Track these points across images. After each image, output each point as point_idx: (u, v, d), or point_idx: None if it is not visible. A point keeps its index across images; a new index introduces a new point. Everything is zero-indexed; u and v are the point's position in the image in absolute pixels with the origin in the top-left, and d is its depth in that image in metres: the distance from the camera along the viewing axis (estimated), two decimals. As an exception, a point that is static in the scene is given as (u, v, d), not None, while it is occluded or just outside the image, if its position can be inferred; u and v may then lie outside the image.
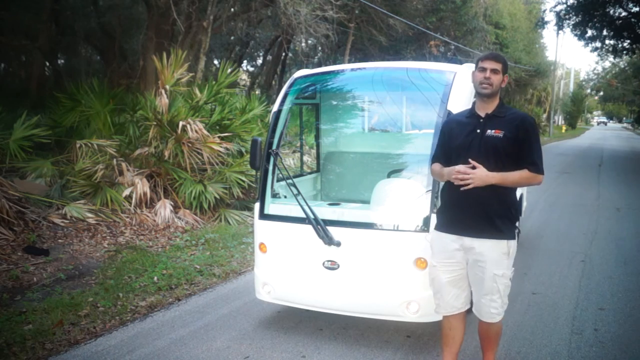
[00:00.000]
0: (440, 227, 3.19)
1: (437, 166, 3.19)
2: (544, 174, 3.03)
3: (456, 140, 3.08)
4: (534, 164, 2.96)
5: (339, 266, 3.75)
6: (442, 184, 3.34)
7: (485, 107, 3.06)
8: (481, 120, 3.05)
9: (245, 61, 25.95)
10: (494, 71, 3.00)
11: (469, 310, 3.26)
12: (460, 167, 2.92)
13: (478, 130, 3.02)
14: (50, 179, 7.11)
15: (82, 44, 16.82)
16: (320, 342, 3.99)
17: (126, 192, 7.21)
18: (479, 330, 3.28)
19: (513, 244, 3.05)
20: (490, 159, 2.94)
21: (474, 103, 3.16)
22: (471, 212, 3.02)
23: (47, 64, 15.84)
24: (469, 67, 4.21)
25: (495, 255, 2.99)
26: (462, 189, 2.92)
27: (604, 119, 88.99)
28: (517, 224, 3.14)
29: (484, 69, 3.01)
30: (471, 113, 3.13)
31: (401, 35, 18.67)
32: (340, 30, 16.52)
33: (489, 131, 2.99)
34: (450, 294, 3.14)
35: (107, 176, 7.27)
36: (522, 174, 2.95)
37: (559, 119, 55.38)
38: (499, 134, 2.96)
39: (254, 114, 9.24)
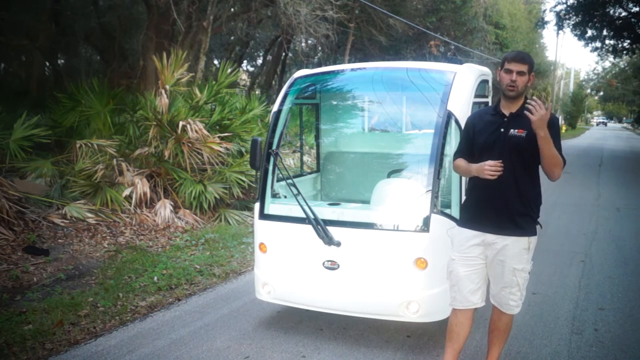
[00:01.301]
0: (463, 223, 3.24)
1: (462, 161, 3.21)
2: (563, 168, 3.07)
3: (480, 138, 3.12)
4: (562, 157, 2.99)
5: (339, 266, 3.75)
6: (442, 182, 3.37)
7: (510, 106, 3.08)
8: (505, 119, 3.07)
9: (245, 61, 25.95)
10: (520, 73, 3.00)
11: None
12: (490, 162, 2.96)
13: (502, 130, 3.04)
14: (50, 179, 7.11)
15: (82, 44, 16.81)
16: (320, 342, 3.99)
17: (126, 192, 7.21)
18: (490, 322, 3.32)
19: (534, 239, 3.12)
20: (513, 158, 2.98)
21: (498, 100, 3.16)
22: (494, 210, 3.07)
23: (47, 64, 15.83)
24: (469, 67, 4.22)
25: (516, 250, 3.06)
26: (488, 177, 2.95)
27: (603, 119, 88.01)
28: (538, 220, 3.17)
29: (510, 71, 3.01)
30: (496, 111, 3.13)
31: (401, 35, 18.67)
32: (340, 30, 16.52)
33: (512, 130, 3.01)
34: (467, 288, 3.17)
35: (107, 176, 7.27)
36: (558, 155, 2.93)
37: (559, 119, 55.35)
38: (522, 133, 2.98)
39: (254, 114, 9.24)
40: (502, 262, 3.08)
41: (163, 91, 7.76)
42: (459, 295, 3.21)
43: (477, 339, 3.96)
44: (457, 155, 3.30)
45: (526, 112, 2.86)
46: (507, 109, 3.08)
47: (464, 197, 3.60)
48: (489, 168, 2.95)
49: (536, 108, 2.82)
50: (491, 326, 3.32)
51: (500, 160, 2.96)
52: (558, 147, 2.98)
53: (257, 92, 20.73)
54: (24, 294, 4.94)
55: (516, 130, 3.00)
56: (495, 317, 3.28)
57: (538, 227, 3.16)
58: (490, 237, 3.09)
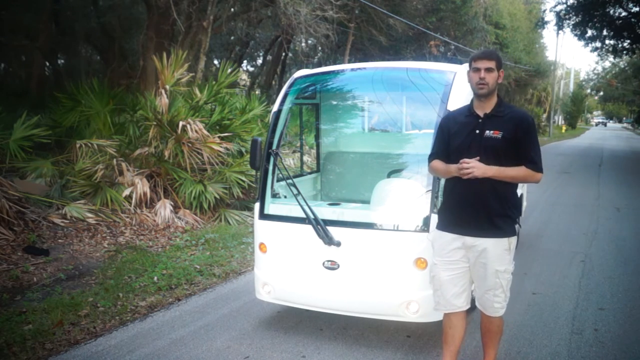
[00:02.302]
0: (441, 226, 3.21)
1: (439, 163, 3.18)
2: (543, 173, 3.05)
3: (455, 141, 3.09)
4: (532, 161, 2.98)
5: (339, 266, 3.75)
6: (442, 183, 3.36)
7: (483, 106, 3.06)
8: (480, 120, 3.04)
9: (245, 61, 25.94)
10: (488, 70, 2.98)
11: (469, 310, 3.27)
12: (464, 159, 2.95)
13: (477, 131, 3.02)
14: (50, 179, 7.11)
15: (82, 44, 16.81)
16: (320, 342, 3.99)
17: (126, 192, 7.21)
18: (481, 325, 3.30)
19: (514, 240, 3.10)
20: (490, 159, 2.95)
21: (472, 100, 3.14)
22: (472, 212, 3.04)
23: (47, 64, 15.83)
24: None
25: (497, 251, 3.03)
26: (465, 176, 2.93)
27: (603, 119, 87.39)
28: (517, 220, 3.17)
29: (477, 69, 3.00)
30: (470, 112, 3.11)
31: (401, 35, 18.67)
32: (340, 30, 16.52)
33: (487, 132, 2.99)
34: (451, 292, 3.16)
35: (107, 176, 7.27)
36: (520, 170, 2.98)
37: (559, 119, 55.37)
38: (498, 134, 2.96)
39: (254, 114, 9.24)
40: (485, 265, 3.05)
41: (163, 91, 7.76)
42: (442, 300, 3.21)
43: (478, 339, 3.95)
44: (432, 157, 3.26)
45: (465, 174, 2.91)
46: (480, 110, 3.06)
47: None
48: (467, 165, 2.92)
49: (468, 168, 2.89)
50: (483, 329, 3.30)
51: (478, 157, 2.93)
52: (535, 151, 2.99)
53: (257, 92, 20.72)
54: (24, 294, 4.94)
55: (492, 132, 2.98)
56: (485, 321, 3.24)
57: (517, 226, 3.17)
58: (469, 240, 3.06)
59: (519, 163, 2.98)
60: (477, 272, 3.10)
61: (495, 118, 3.01)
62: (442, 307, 3.23)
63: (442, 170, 3.18)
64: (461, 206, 3.09)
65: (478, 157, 2.93)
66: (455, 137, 3.10)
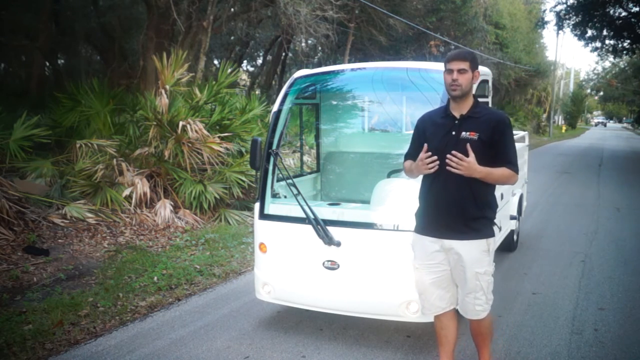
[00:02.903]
0: (419, 230, 3.18)
1: (408, 163, 3.19)
2: (518, 172, 3.05)
3: (432, 142, 3.01)
4: (511, 162, 2.96)
5: (339, 266, 3.75)
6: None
7: (459, 107, 3.02)
8: (456, 121, 3.01)
9: (245, 61, 25.93)
10: (461, 71, 2.94)
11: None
12: (456, 153, 2.86)
13: (453, 133, 2.98)
14: (50, 179, 7.11)
15: (82, 44, 16.80)
16: (320, 342, 3.99)
17: (126, 192, 7.21)
18: (470, 328, 3.28)
19: (492, 241, 3.07)
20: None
21: (448, 101, 3.10)
22: (448, 215, 3.02)
23: (47, 64, 15.82)
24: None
25: (475, 253, 3.01)
26: (453, 170, 2.86)
27: (602, 119, 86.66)
28: (494, 221, 3.13)
29: (451, 71, 2.97)
30: (446, 113, 3.07)
31: (401, 35, 18.67)
32: (340, 30, 16.51)
33: (463, 133, 2.95)
34: (434, 295, 3.16)
35: (107, 176, 7.27)
36: (504, 171, 2.96)
37: (559, 119, 55.37)
38: (474, 136, 2.93)
39: (254, 114, 9.23)
40: (464, 268, 3.02)
41: (163, 91, 7.76)
42: (427, 304, 3.20)
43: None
44: (406, 157, 3.24)
45: (452, 169, 2.85)
46: (457, 111, 3.03)
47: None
48: (423, 162, 2.92)
49: (458, 163, 2.83)
50: (473, 333, 3.28)
51: (455, 153, 2.85)
52: (513, 153, 2.96)
53: (257, 92, 20.72)
54: (24, 294, 4.94)
55: (468, 133, 2.94)
56: (474, 324, 3.20)
57: (496, 228, 3.13)
58: (447, 243, 3.03)
59: (494, 164, 2.94)
60: (458, 275, 3.08)
61: (471, 119, 2.99)
62: (427, 311, 3.23)
63: (408, 170, 3.21)
64: (437, 209, 3.06)
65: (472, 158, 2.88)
66: (431, 138, 3.05)
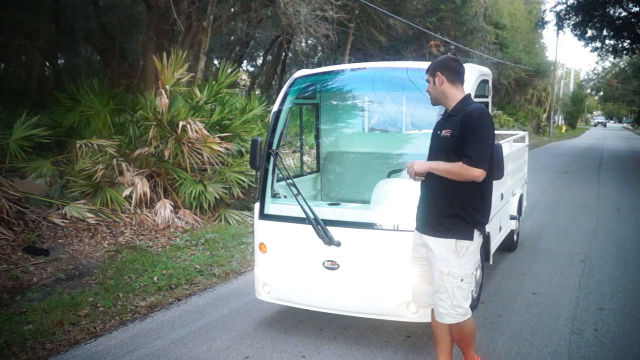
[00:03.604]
0: (415, 225, 3.30)
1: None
2: (484, 170, 2.88)
3: (431, 141, 3.22)
4: (467, 156, 2.87)
5: (339, 266, 3.75)
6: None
7: (447, 108, 3.14)
8: (443, 121, 3.14)
9: (245, 61, 25.94)
10: (427, 82, 3.16)
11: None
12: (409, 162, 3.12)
13: (438, 131, 3.11)
14: (50, 179, 7.11)
15: (82, 44, 16.82)
16: (320, 342, 3.99)
17: (126, 192, 7.21)
18: (450, 331, 3.22)
19: (466, 244, 2.99)
20: (442, 158, 3.00)
21: None
22: (424, 211, 3.15)
23: (47, 64, 15.83)
24: (469, 67, 4.21)
25: (442, 251, 3.02)
26: (412, 176, 3.08)
27: (602, 119, 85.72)
28: (478, 225, 3.03)
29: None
30: (443, 114, 3.20)
31: (401, 35, 18.68)
32: (340, 30, 16.52)
33: (442, 131, 3.05)
34: (421, 288, 3.23)
35: (107, 176, 7.27)
36: (454, 165, 2.91)
37: (559, 119, 55.38)
38: (447, 133, 3.00)
39: (254, 114, 9.23)
40: (432, 265, 3.07)
41: (163, 91, 7.76)
42: (415, 297, 3.31)
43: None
44: None
45: (409, 175, 3.07)
46: (448, 111, 3.13)
47: None
48: (409, 166, 3.08)
49: (408, 167, 3.05)
50: (452, 335, 3.21)
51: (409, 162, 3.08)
52: (474, 147, 2.85)
53: (257, 92, 20.72)
54: (24, 294, 4.94)
55: (444, 131, 3.02)
56: (451, 327, 3.13)
57: (476, 232, 3.02)
58: (424, 238, 3.12)
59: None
60: (432, 272, 3.13)
61: (451, 118, 3.06)
62: (416, 302, 3.35)
63: None
64: (419, 205, 3.21)
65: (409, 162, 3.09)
66: (432, 136, 3.25)
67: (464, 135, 2.91)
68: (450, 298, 3.01)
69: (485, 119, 2.94)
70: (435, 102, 3.17)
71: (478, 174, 2.88)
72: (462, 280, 3.01)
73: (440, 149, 3.04)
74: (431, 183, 3.04)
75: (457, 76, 3.08)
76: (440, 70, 3.07)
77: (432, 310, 3.23)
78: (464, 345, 3.22)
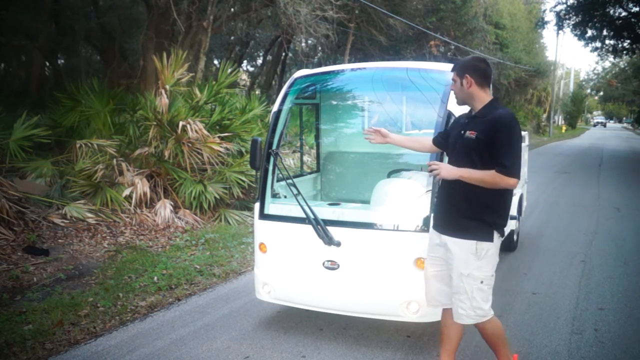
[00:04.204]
0: (432, 224, 3.31)
1: (424, 137, 3.54)
2: (518, 179, 2.90)
3: (451, 138, 3.22)
4: (502, 165, 2.86)
5: (339, 266, 3.75)
6: (438, 184, 3.44)
7: (473, 109, 3.12)
8: (467, 121, 3.11)
9: (245, 61, 25.95)
10: (453, 82, 3.14)
11: None
12: (432, 161, 3.13)
13: (462, 132, 3.08)
14: (50, 179, 7.11)
15: (82, 44, 16.81)
16: (320, 342, 3.99)
17: (126, 192, 7.21)
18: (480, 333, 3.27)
19: (486, 246, 2.98)
20: (465, 159, 2.99)
21: None
22: (444, 211, 3.14)
23: (47, 64, 15.83)
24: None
25: (462, 254, 3.00)
26: (435, 179, 3.08)
27: (602, 119, 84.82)
28: (498, 227, 3.03)
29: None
30: (468, 114, 3.18)
31: (401, 35, 18.67)
32: (340, 30, 16.51)
33: (467, 132, 3.02)
34: (434, 287, 3.22)
35: (107, 176, 7.27)
36: (488, 173, 2.89)
37: (559, 119, 55.38)
38: (472, 135, 2.98)
39: (254, 114, 9.23)
40: (451, 265, 3.06)
41: (163, 91, 7.75)
42: (428, 295, 3.29)
43: (478, 339, 3.94)
44: (433, 137, 3.46)
45: (430, 174, 3.07)
46: (473, 112, 3.12)
47: None
48: (434, 167, 3.03)
49: (434, 170, 2.99)
50: (482, 336, 3.24)
51: (432, 162, 3.10)
52: (507, 155, 2.85)
53: (257, 92, 20.72)
54: (24, 294, 4.94)
55: (469, 132, 3.00)
56: (478, 328, 3.17)
57: (498, 234, 3.01)
58: (444, 238, 3.11)
59: (493, 167, 2.91)
60: (450, 272, 3.12)
61: (476, 119, 3.04)
62: (428, 302, 3.32)
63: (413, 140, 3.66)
64: (439, 204, 3.22)
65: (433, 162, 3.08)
66: (451, 133, 3.25)
67: (494, 140, 2.89)
68: (470, 300, 3.00)
69: (516, 125, 2.96)
70: (461, 102, 3.16)
71: (513, 182, 2.90)
72: (481, 282, 3.00)
73: (462, 149, 3.02)
74: (452, 184, 3.00)
75: (485, 79, 3.05)
76: (469, 72, 3.03)
77: (444, 309, 3.25)
78: (494, 345, 3.21)
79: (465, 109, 3.29)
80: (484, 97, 3.05)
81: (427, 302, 3.34)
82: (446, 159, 3.74)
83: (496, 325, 3.15)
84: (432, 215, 3.33)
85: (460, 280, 3.01)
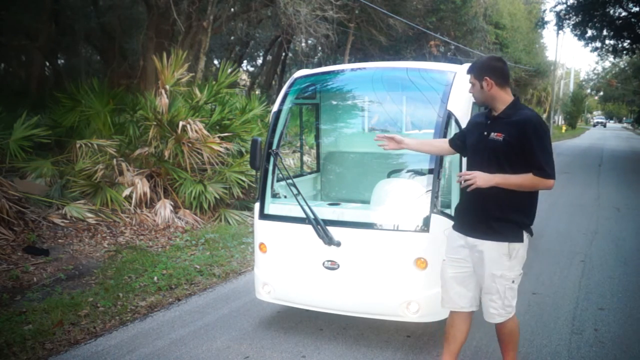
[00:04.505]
0: (453, 226, 3.26)
1: (441, 140, 3.49)
2: (555, 179, 2.92)
3: (469, 139, 3.17)
4: (539, 168, 2.87)
5: (339, 266, 3.75)
6: (442, 183, 3.41)
7: (495, 109, 3.06)
8: (488, 122, 3.06)
9: (245, 61, 25.96)
10: (471, 86, 3.09)
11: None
12: (463, 172, 2.99)
13: (485, 133, 3.03)
14: (50, 179, 7.11)
15: (82, 44, 16.82)
16: (320, 342, 3.99)
17: (126, 192, 7.21)
18: (495, 330, 3.27)
19: (518, 246, 3.00)
20: (492, 162, 2.95)
21: None
22: (473, 214, 3.07)
23: (47, 64, 15.84)
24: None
25: (494, 255, 2.99)
26: (468, 189, 2.94)
27: (602, 119, 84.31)
28: (527, 227, 3.07)
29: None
30: (486, 114, 3.13)
31: (401, 35, 18.68)
32: (340, 30, 16.52)
33: (492, 134, 2.98)
34: (454, 290, 3.17)
35: (107, 176, 7.27)
36: (526, 177, 2.89)
37: (559, 119, 55.38)
38: (500, 137, 2.93)
39: (254, 114, 9.23)
40: (483, 267, 3.04)
41: (163, 91, 7.75)
42: (446, 296, 3.23)
43: (477, 338, 3.96)
44: (450, 138, 3.41)
45: (463, 185, 2.95)
46: (495, 112, 3.07)
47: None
48: (467, 177, 2.93)
49: (468, 181, 2.90)
50: (497, 334, 3.28)
51: (464, 172, 2.98)
52: (542, 156, 2.86)
53: (257, 92, 20.73)
54: (24, 294, 4.94)
55: (495, 134, 2.96)
56: (497, 327, 3.21)
57: (527, 234, 3.05)
58: (470, 240, 3.07)
59: (523, 168, 2.90)
60: (478, 273, 3.10)
61: (500, 120, 2.99)
62: (445, 304, 3.25)
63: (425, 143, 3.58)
64: (466, 207, 3.14)
65: (465, 172, 2.97)
66: (469, 135, 3.20)
67: (524, 143, 2.87)
68: (502, 299, 3.02)
69: (545, 125, 2.96)
70: (481, 104, 3.12)
71: (552, 183, 2.91)
72: (513, 281, 3.02)
73: (488, 152, 2.96)
74: (482, 188, 2.95)
75: (505, 79, 3.02)
76: (488, 74, 2.98)
77: (452, 311, 3.24)
78: (506, 344, 3.22)
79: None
80: (506, 97, 3.02)
81: (442, 304, 3.27)
82: (445, 159, 3.74)
83: (515, 324, 3.18)
84: (455, 216, 3.27)
85: (493, 280, 3.01)
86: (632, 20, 22.54)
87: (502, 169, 2.92)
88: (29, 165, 7.02)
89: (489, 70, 3.00)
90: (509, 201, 2.97)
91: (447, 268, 3.19)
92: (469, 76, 3.09)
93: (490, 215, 2.99)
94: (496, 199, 2.96)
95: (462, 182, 2.94)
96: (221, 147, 7.69)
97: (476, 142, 3.07)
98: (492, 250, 2.99)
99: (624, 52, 25.89)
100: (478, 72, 3.02)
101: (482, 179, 2.89)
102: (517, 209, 3.01)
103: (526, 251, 3.09)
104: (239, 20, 16.52)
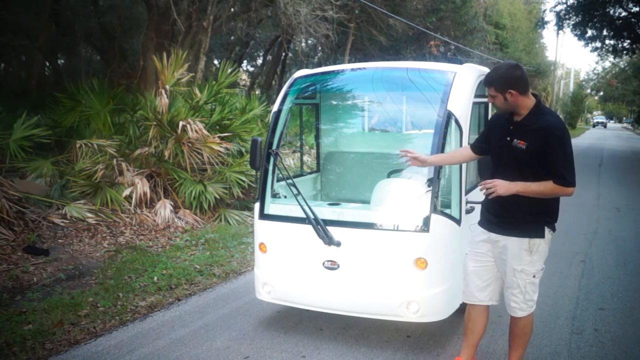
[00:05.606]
0: (479, 221, 3.32)
1: (463, 149, 3.46)
2: (575, 186, 2.94)
3: (493, 141, 3.20)
4: (560, 176, 2.90)
5: (339, 266, 3.75)
6: (442, 183, 3.44)
7: (517, 114, 3.07)
8: (511, 127, 3.07)
9: (245, 61, 25.96)
10: (491, 97, 3.07)
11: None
12: (484, 181, 3.05)
13: (508, 138, 3.05)
14: (50, 179, 7.11)
15: (82, 44, 16.81)
16: (320, 342, 3.99)
17: (126, 192, 7.21)
18: (509, 324, 3.34)
19: (538, 241, 3.05)
20: (514, 169, 3.00)
21: None
22: (496, 214, 3.13)
23: (47, 64, 15.85)
24: (469, 67, 4.22)
25: (515, 250, 3.05)
26: (490, 197, 3.02)
27: (601, 119, 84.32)
28: (550, 224, 3.10)
29: (490, 97, 3.10)
30: (509, 117, 3.12)
31: (401, 35, 18.68)
32: (340, 30, 16.52)
33: (515, 141, 3.00)
34: (474, 283, 3.25)
35: (107, 176, 7.27)
36: (547, 185, 2.92)
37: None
38: (522, 145, 2.96)
39: (254, 114, 9.24)
40: (504, 262, 3.12)
41: (163, 91, 7.75)
42: (466, 290, 3.32)
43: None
44: (472, 144, 3.42)
45: (484, 193, 3.03)
46: (517, 117, 3.08)
47: (464, 197, 3.66)
48: (489, 186, 3.00)
49: (489, 189, 2.97)
50: (509, 329, 3.33)
51: (486, 181, 3.03)
52: (563, 164, 2.89)
53: (257, 92, 20.73)
54: (24, 294, 4.94)
55: (518, 141, 2.99)
56: (511, 321, 3.28)
57: (548, 230, 3.08)
58: (493, 236, 3.15)
59: (545, 175, 2.92)
60: (500, 268, 3.18)
61: (523, 127, 3.00)
62: (465, 297, 3.34)
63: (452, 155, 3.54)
64: (488, 207, 3.21)
65: (486, 182, 3.01)
66: (492, 138, 3.23)
67: (546, 151, 2.90)
68: (523, 293, 3.10)
69: (567, 132, 2.99)
70: (504, 111, 3.13)
71: (572, 190, 2.95)
72: (534, 276, 3.09)
73: (511, 159, 3.01)
74: None
75: (527, 86, 3.01)
76: (512, 86, 2.96)
77: (470, 305, 3.30)
78: (517, 339, 3.26)
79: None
80: (529, 102, 3.03)
81: (463, 297, 3.37)
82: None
83: (530, 320, 3.24)
84: (481, 213, 3.31)
85: (514, 275, 3.08)
86: (632, 20, 22.54)
87: (523, 175, 2.97)
88: (29, 165, 7.02)
89: (512, 83, 2.97)
90: (532, 205, 3.02)
91: (469, 262, 3.27)
92: (489, 89, 3.05)
93: (517, 214, 3.05)
94: (518, 202, 3.01)
95: (484, 190, 3.01)
96: (221, 147, 7.69)
97: (498, 147, 3.11)
98: (513, 246, 3.06)
99: (624, 52, 25.88)
100: (501, 86, 2.99)
101: (503, 187, 2.95)
102: (545, 209, 3.07)
103: (548, 247, 3.13)
104: (239, 20, 16.50)
